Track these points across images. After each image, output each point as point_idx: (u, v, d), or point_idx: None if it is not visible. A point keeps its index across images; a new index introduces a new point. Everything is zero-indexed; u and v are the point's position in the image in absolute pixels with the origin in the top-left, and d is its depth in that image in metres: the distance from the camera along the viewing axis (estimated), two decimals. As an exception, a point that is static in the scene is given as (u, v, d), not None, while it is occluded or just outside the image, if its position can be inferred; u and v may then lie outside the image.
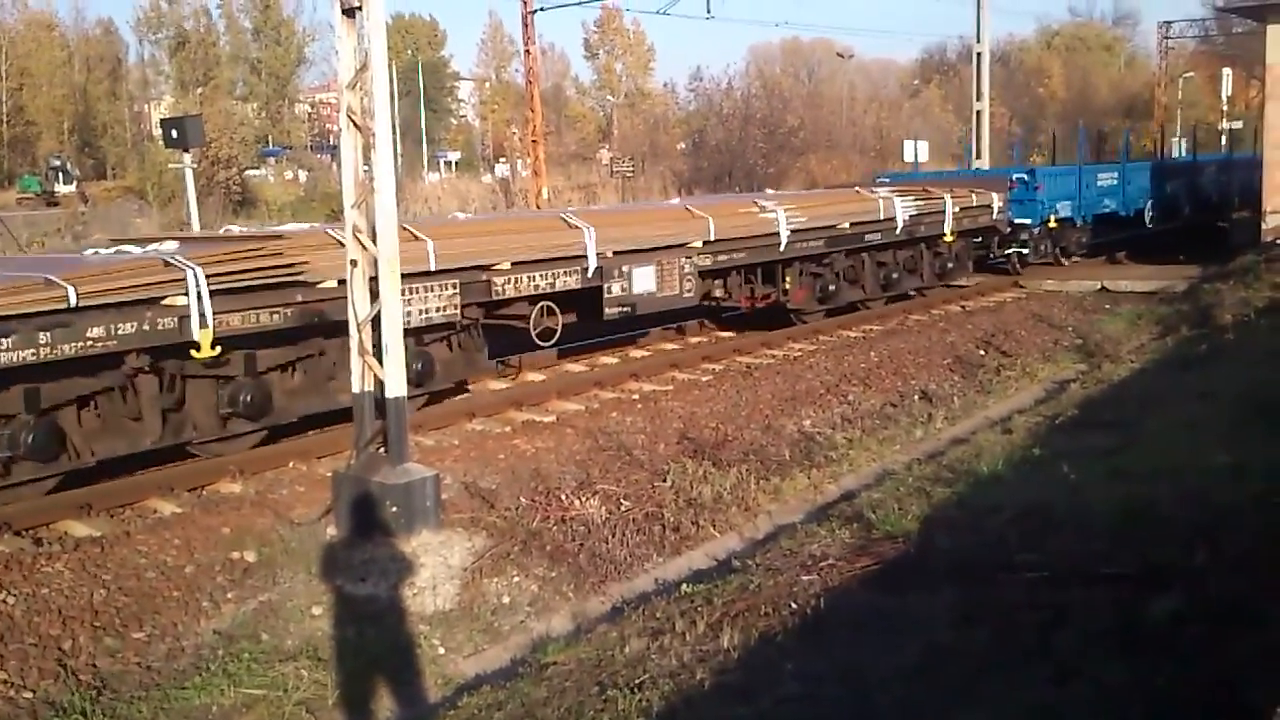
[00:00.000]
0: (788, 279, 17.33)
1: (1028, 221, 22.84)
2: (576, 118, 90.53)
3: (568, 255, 13.16)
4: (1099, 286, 22.32)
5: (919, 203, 19.26)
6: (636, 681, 5.07)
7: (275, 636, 7.48)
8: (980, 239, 22.43)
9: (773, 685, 4.80)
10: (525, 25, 38.47)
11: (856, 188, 21.05)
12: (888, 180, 25.05)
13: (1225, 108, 52.55)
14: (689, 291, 14.75)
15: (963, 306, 20.86)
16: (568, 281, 13.17)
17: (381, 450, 8.88)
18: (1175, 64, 66.11)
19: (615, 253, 13.71)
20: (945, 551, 6.24)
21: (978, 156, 32.52)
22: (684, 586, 6.61)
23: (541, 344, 13.54)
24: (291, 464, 10.80)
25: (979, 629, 5.02)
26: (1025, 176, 23.26)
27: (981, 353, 16.54)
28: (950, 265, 21.10)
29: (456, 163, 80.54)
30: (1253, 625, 4.43)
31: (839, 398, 13.76)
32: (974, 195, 20.98)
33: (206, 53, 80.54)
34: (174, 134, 19.63)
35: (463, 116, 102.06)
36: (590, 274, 13.36)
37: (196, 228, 20.18)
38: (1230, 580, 4.96)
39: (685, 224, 15.19)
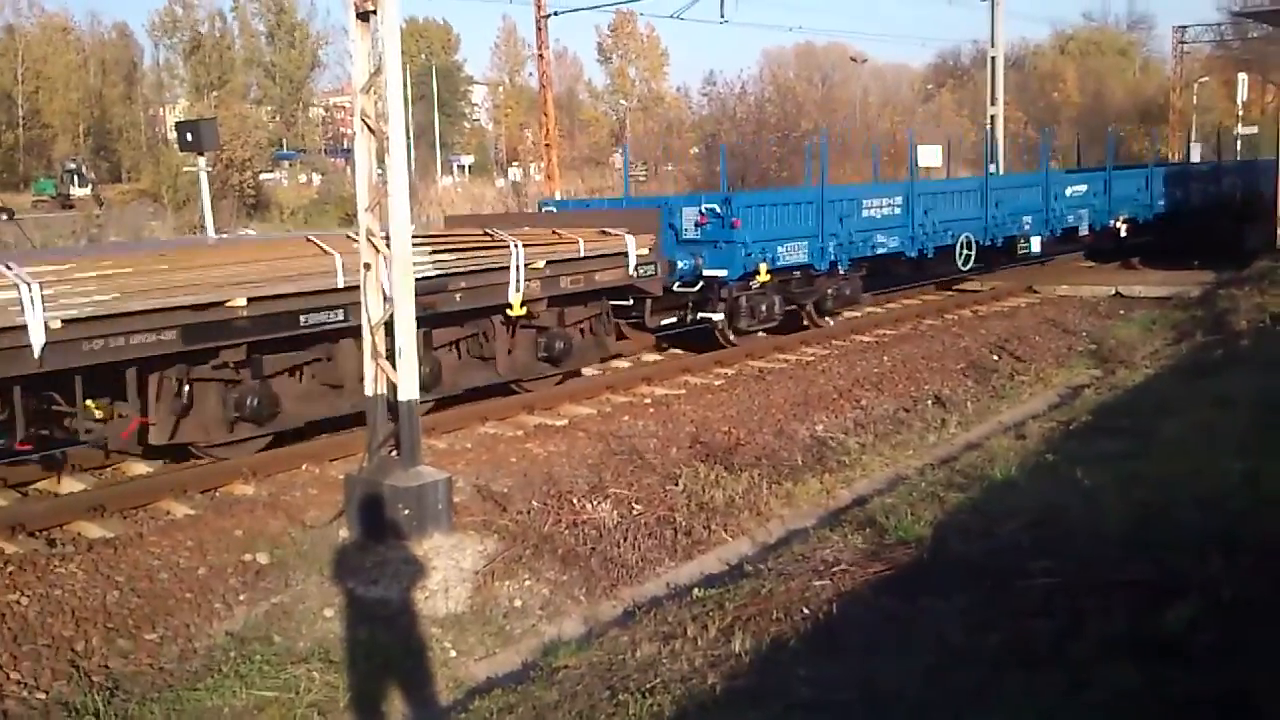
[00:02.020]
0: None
1: (722, 274, 15.94)
2: (590, 121, 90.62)
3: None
4: (1113, 292, 22.25)
5: (447, 256, 12.19)
6: (648, 686, 5.06)
7: (287, 638, 7.48)
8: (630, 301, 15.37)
9: (784, 691, 4.79)
10: (539, 29, 38.46)
11: (309, 237, 11.79)
12: (553, 208, 19.83)
13: (1240, 113, 52.32)
14: None
15: (975, 311, 20.82)
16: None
17: (394, 453, 8.89)
18: (1190, 69, 65.80)
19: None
20: (958, 557, 6.22)
21: (992, 161, 32.43)
22: (695, 591, 6.60)
23: None
24: (304, 466, 10.82)
25: (992, 635, 5.00)
26: (717, 208, 16.27)
27: (995, 357, 16.49)
28: (555, 350, 13.80)
29: (470, 167, 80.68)
30: (1269, 633, 4.41)
31: (852, 402, 13.73)
32: (590, 241, 13.95)
33: (221, 56, 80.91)
34: (189, 137, 19.66)
35: (476, 120, 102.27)
36: None
37: (211, 231, 20.22)
38: (1245, 587, 4.93)
39: None
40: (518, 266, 12.75)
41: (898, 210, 19.08)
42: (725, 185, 18.48)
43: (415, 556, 8.28)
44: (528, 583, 8.26)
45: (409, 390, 8.65)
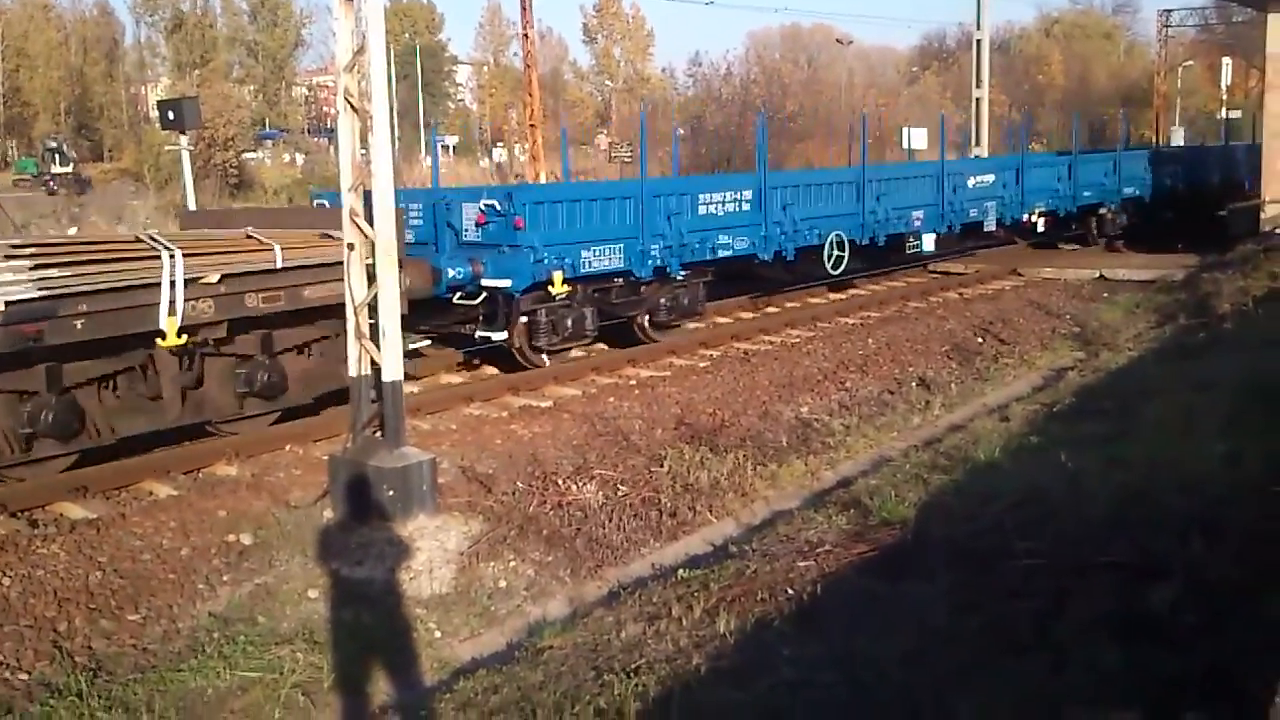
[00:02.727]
0: None
1: (505, 285, 13.41)
2: (575, 102, 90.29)
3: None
4: (1097, 275, 22.31)
5: (57, 271, 9.26)
6: (632, 666, 5.06)
7: (271, 619, 7.47)
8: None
9: (768, 671, 4.80)
10: (524, 9, 38.33)
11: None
12: (325, 202, 15.61)
13: (1224, 97, 52.46)
14: None
15: (961, 294, 20.87)
16: None
17: (378, 434, 8.87)
18: (1175, 53, 65.91)
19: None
20: (942, 538, 6.23)
21: (976, 144, 32.50)
22: (680, 572, 6.61)
23: None
24: (288, 447, 10.80)
25: (975, 616, 5.01)
26: (497, 204, 13.78)
27: (979, 340, 16.53)
28: (261, 384, 11.09)
29: (454, 147, 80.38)
30: (1250, 613, 4.43)
31: (837, 384, 13.76)
32: (293, 249, 10.92)
33: (203, 35, 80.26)
34: (171, 116, 19.59)
35: (460, 100, 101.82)
36: None
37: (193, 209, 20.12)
38: (1228, 568, 4.95)
39: None
40: (173, 283, 9.85)
41: (746, 206, 16.52)
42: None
43: (400, 537, 8.28)
44: (512, 563, 8.27)
45: (393, 371, 8.63)
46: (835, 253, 17.97)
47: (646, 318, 15.69)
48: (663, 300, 15.71)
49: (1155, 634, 4.46)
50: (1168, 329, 15.40)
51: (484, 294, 13.55)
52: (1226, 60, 53.65)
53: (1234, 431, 7.55)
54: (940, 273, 23.46)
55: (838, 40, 74.22)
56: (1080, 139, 29.28)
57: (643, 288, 15.35)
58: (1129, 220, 26.51)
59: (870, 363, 14.89)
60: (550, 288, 13.65)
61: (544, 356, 14.21)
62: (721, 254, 16.14)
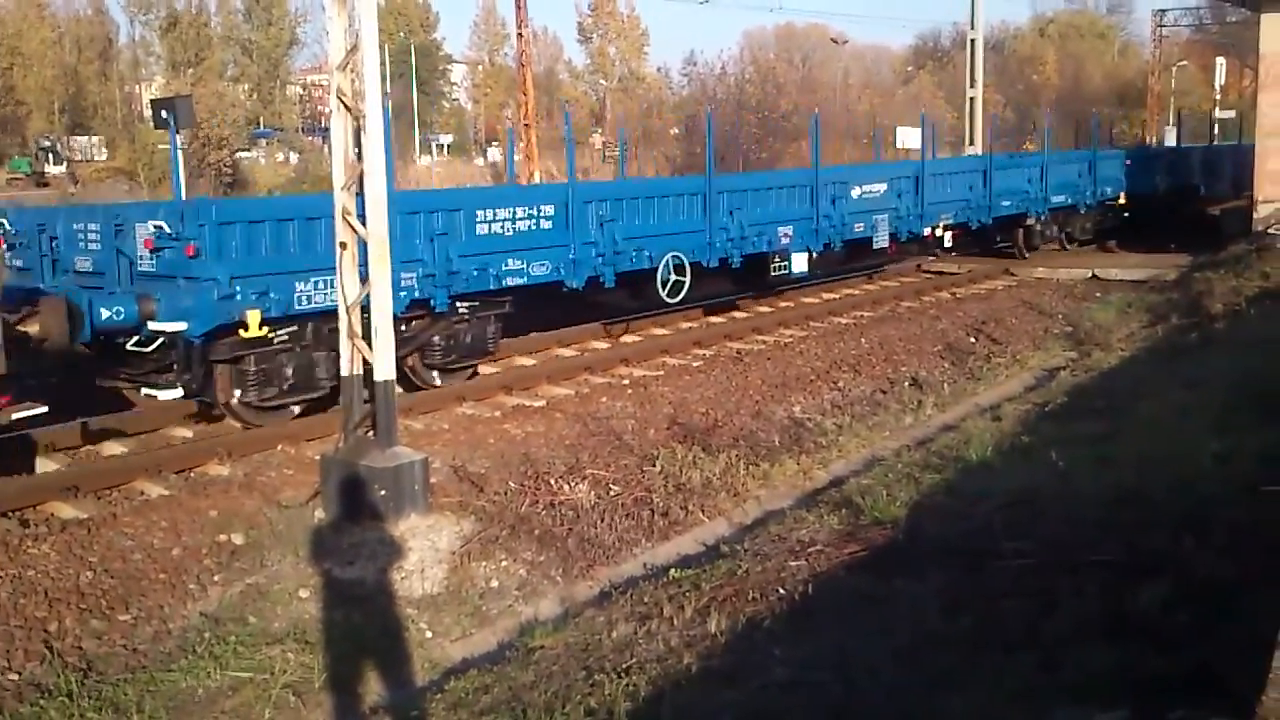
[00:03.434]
0: None
1: (179, 328, 10.42)
2: (569, 101, 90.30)
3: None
4: (1090, 274, 22.35)
5: None
6: (623, 666, 5.06)
7: (262, 619, 7.46)
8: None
9: (760, 670, 4.79)
10: (518, 8, 38.32)
11: None
12: None
13: (1218, 97, 52.54)
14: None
15: (953, 294, 20.89)
16: None
17: (370, 433, 8.86)
18: (1169, 52, 66.04)
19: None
20: (933, 538, 6.24)
21: (971, 143, 32.50)
22: (672, 571, 6.60)
23: None
24: (280, 447, 10.78)
25: (966, 615, 5.02)
26: (166, 225, 10.54)
27: (972, 340, 16.56)
28: None
29: (449, 146, 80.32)
30: (1240, 612, 4.43)
31: (829, 384, 13.77)
32: None
33: (198, 34, 79.99)
34: (164, 115, 19.52)
35: (455, 100, 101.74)
36: None
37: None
38: (1218, 568, 4.95)
39: None
40: None
41: (547, 224, 13.71)
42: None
43: (391, 537, 8.27)
44: (504, 563, 8.26)
45: (385, 370, 8.62)
46: (673, 278, 15.13)
47: (416, 359, 12.82)
48: (436, 339, 12.74)
49: (1145, 633, 4.46)
50: (1160, 329, 15.42)
51: (160, 339, 10.63)
52: (1220, 60, 53.73)
53: (1225, 431, 7.56)
54: (934, 273, 23.49)
55: (833, 39, 74.24)
56: (1073, 139, 29.14)
57: (403, 325, 12.00)
58: (1073, 229, 25.28)
59: (863, 362, 14.90)
60: (242, 331, 10.63)
61: (263, 413, 11.28)
62: (511, 282, 13.16)
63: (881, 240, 19.38)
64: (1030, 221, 23.86)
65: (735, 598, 5.74)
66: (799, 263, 17.53)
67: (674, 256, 15.19)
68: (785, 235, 17.29)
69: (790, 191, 17.72)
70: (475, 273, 12.73)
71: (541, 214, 13.71)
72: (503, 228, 13.21)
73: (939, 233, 21.02)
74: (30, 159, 62.89)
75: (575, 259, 14.03)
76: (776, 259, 17.18)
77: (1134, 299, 19.16)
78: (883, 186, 19.59)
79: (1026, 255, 24.13)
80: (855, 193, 18.81)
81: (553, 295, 14.33)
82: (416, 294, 12.14)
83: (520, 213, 13.46)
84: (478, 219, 12.94)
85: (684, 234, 15.65)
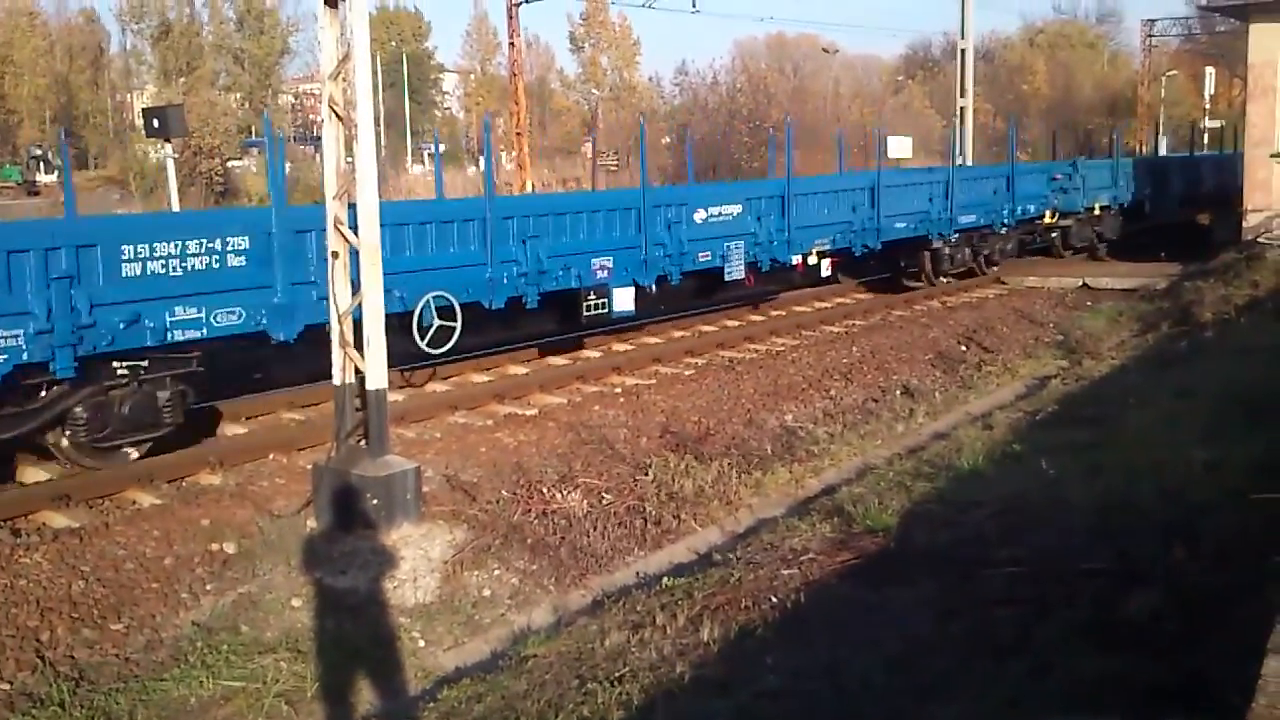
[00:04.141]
0: None
1: None
2: (561, 111, 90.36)
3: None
4: (1080, 283, 22.41)
5: None
6: (616, 675, 5.07)
7: (255, 628, 7.45)
8: None
9: (752, 679, 4.81)
10: (510, 18, 38.33)
11: None
12: None
13: (1208, 106, 52.76)
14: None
15: (944, 302, 20.92)
16: None
17: (362, 442, 8.86)
18: (1159, 62, 66.26)
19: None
20: (925, 546, 6.26)
21: (961, 153, 32.59)
22: (665, 580, 6.62)
23: None
24: (271, 456, 10.76)
25: (957, 623, 5.04)
26: None
27: (963, 348, 16.60)
28: None
29: (440, 155, 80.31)
30: (1230, 620, 4.46)
31: (821, 392, 13.79)
32: None
33: (189, 42, 79.99)
34: (156, 124, 19.54)
35: (447, 109, 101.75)
36: None
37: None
38: (1207, 576, 4.98)
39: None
40: None
41: (240, 260, 10.61)
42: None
43: (384, 546, 8.27)
44: (497, 572, 8.27)
45: (377, 379, 8.62)
46: (437, 322, 12.08)
47: (64, 439, 9.85)
48: (81, 411, 9.74)
49: (1135, 640, 4.49)
50: (1150, 337, 15.50)
51: None
52: (1210, 70, 53.97)
53: (1215, 439, 7.61)
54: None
55: (824, 49, 74.39)
56: (1066, 149, 28.75)
57: (39, 392, 9.61)
58: (991, 252, 22.94)
59: (855, 371, 14.93)
60: None
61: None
62: (181, 336, 10.16)
63: (735, 271, 16.49)
64: (937, 245, 21.44)
65: (728, 606, 5.76)
66: (623, 300, 14.57)
67: (437, 297, 12.15)
68: (602, 268, 14.38)
69: (609, 216, 14.78)
70: (122, 327, 9.70)
71: (228, 249, 10.53)
72: (167, 267, 10.10)
73: (812, 260, 18.22)
74: (21, 168, 62.79)
75: (283, 303, 10.86)
76: (592, 296, 14.22)
77: (1125, 308, 19.24)
78: (736, 209, 16.66)
79: (935, 282, 21.84)
80: (699, 216, 15.99)
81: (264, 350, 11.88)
82: (26, 357, 9.12)
83: (194, 248, 10.29)
84: (123, 257, 9.81)
85: (454, 269, 12.58)
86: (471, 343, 13.33)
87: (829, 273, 19.20)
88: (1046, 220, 24.62)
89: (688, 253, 15.68)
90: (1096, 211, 26.24)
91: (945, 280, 22.08)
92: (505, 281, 13.14)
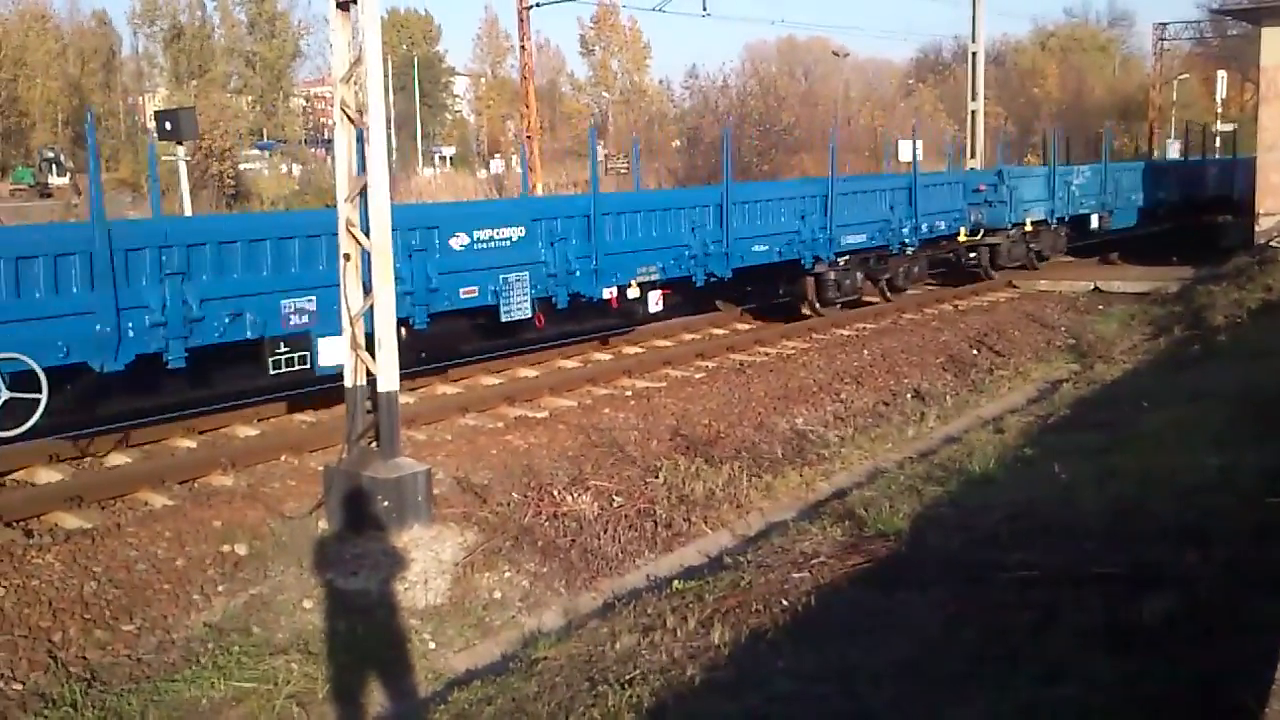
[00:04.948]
0: None
1: None
2: (572, 114, 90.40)
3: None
4: (1092, 287, 22.37)
5: None
6: (627, 677, 5.07)
7: (266, 630, 7.47)
8: None
9: (763, 682, 4.80)
10: (521, 21, 38.35)
11: None
12: None
13: (1220, 110, 52.59)
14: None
15: (955, 306, 20.89)
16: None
17: (373, 444, 8.87)
18: (1170, 66, 66.08)
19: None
20: (936, 550, 6.25)
21: (972, 156, 32.53)
22: (675, 583, 6.61)
23: None
24: (283, 458, 10.79)
25: (969, 628, 5.02)
26: None
27: (974, 352, 16.56)
28: None
29: (451, 158, 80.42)
30: (1243, 626, 4.44)
31: (832, 396, 13.78)
32: None
33: (201, 45, 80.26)
34: (168, 126, 19.62)
35: (458, 112, 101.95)
36: None
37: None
38: (1221, 581, 4.97)
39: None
40: None
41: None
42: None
43: (394, 548, 8.27)
44: (507, 574, 8.27)
45: (389, 381, 8.64)
46: (5, 394, 8.91)
47: None
48: None
49: (1148, 645, 4.47)
50: (1162, 341, 15.44)
51: None
52: (1221, 73, 53.80)
53: (1228, 444, 7.58)
54: (934, 285, 23.44)
55: (834, 53, 74.31)
56: (1076, 153, 28.15)
57: None
58: (894, 277, 20.28)
59: (865, 374, 14.91)
60: None
61: None
62: None
63: (517, 310, 13.26)
64: (820, 270, 18.30)
65: (739, 609, 5.75)
66: (329, 352, 10.75)
67: (8, 360, 8.91)
68: (300, 313, 11.03)
69: (308, 245, 11.20)
70: None
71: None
72: None
73: (633, 293, 14.87)
74: (34, 170, 62.98)
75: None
76: (282, 347, 11.01)
77: (1136, 311, 19.20)
78: (516, 232, 13.36)
79: (820, 312, 18.71)
80: (457, 242, 12.73)
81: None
82: None
83: None
84: None
85: (46, 320, 9.25)
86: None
87: (659, 307, 15.53)
88: (962, 238, 21.81)
89: (440, 289, 12.35)
90: (1029, 227, 23.49)
91: (839, 308, 19.09)
92: (134, 336, 9.75)
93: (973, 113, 33.42)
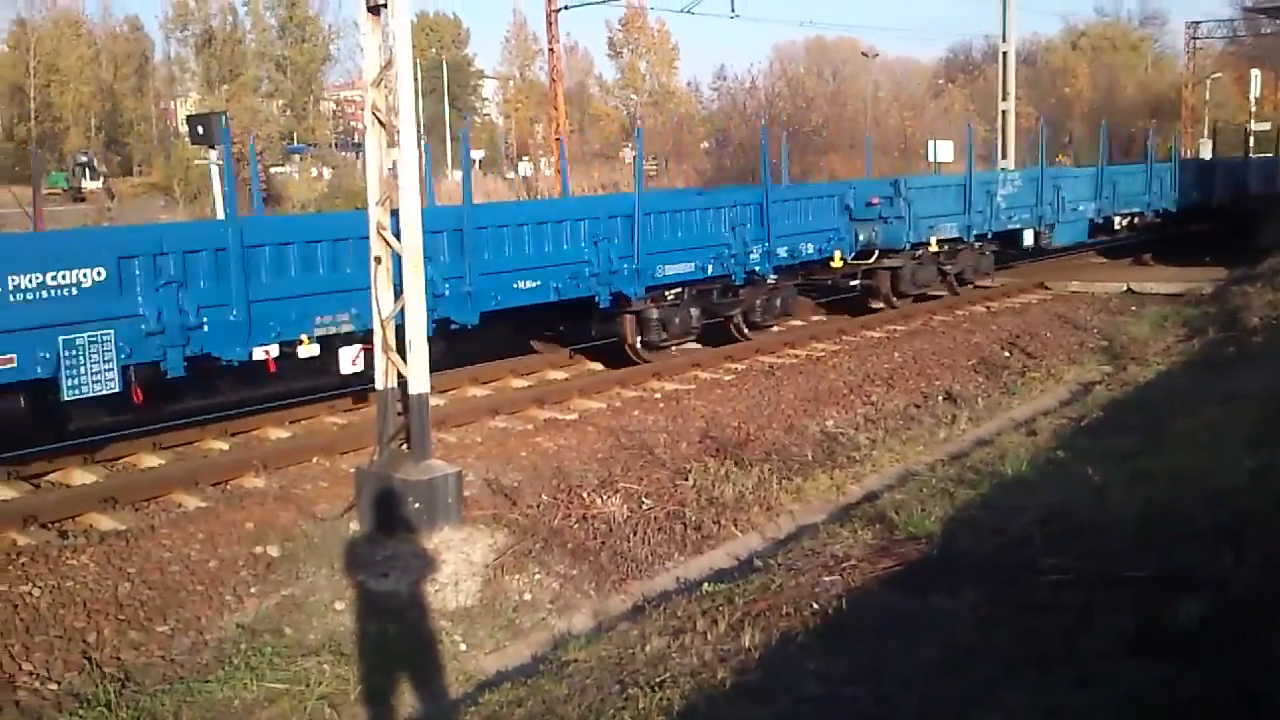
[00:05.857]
0: None
1: None
2: (600, 116, 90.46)
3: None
4: (1125, 288, 22.19)
5: None
6: (657, 680, 5.07)
7: (298, 631, 7.51)
8: None
9: (793, 685, 4.79)
10: (549, 23, 38.49)
11: None
12: None
13: (1253, 109, 52.13)
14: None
15: (988, 307, 20.74)
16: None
17: (404, 447, 8.91)
18: (1203, 64, 65.60)
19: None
20: (968, 553, 6.22)
21: (1003, 156, 32.35)
22: (705, 585, 6.61)
23: None
24: (315, 459, 10.85)
25: (1001, 631, 5.00)
26: None
27: (1006, 354, 16.46)
28: None
29: (480, 161, 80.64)
30: (1277, 628, 4.40)
31: (862, 398, 13.72)
32: None
33: (232, 50, 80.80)
34: (200, 130, 19.77)
35: (486, 115, 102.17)
36: None
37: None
38: (1255, 583, 4.92)
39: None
40: None
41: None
42: None
43: (425, 550, 8.31)
44: (537, 576, 8.28)
45: (420, 384, 8.67)
46: None
47: None
48: None
49: (1182, 650, 4.43)
50: (1196, 343, 15.31)
51: None
52: (1255, 72, 53.33)
53: (1262, 445, 7.51)
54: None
55: (863, 53, 74.08)
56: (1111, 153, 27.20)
57: None
58: (752, 312, 16.71)
59: (896, 376, 14.84)
60: None
61: None
62: None
63: (90, 384, 9.30)
64: (639, 307, 14.69)
65: (769, 612, 5.74)
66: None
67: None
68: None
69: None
70: None
71: None
72: None
73: (307, 351, 11.05)
74: (67, 174, 63.56)
75: None
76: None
77: (1170, 313, 19.03)
78: (95, 274, 9.43)
79: (643, 358, 15.07)
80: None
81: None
82: None
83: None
84: None
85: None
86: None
87: (358, 367, 11.43)
88: (836, 263, 17.89)
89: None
90: (935, 247, 19.73)
91: (669, 351, 15.62)
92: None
93: (1003, 112, 33.26)
